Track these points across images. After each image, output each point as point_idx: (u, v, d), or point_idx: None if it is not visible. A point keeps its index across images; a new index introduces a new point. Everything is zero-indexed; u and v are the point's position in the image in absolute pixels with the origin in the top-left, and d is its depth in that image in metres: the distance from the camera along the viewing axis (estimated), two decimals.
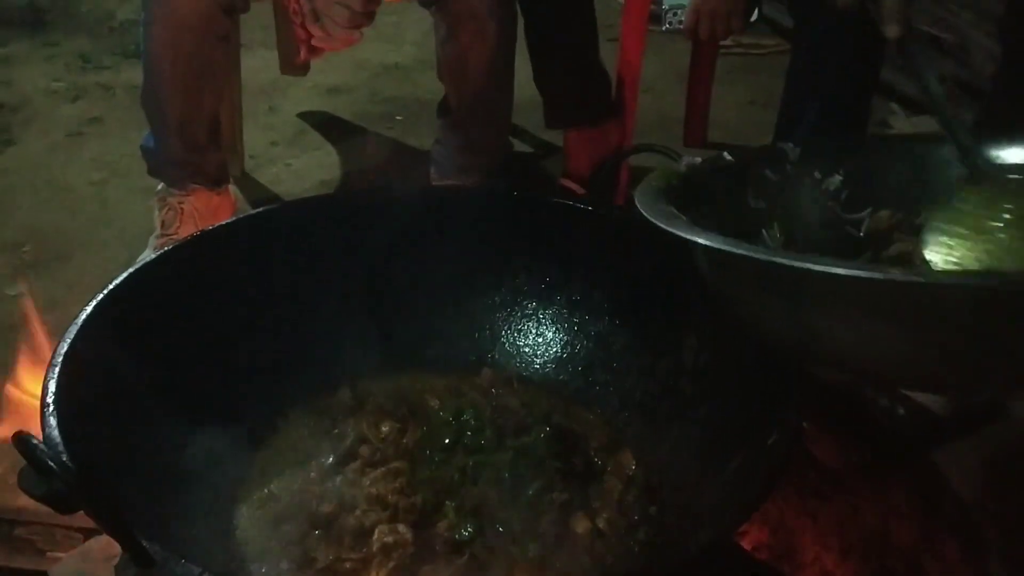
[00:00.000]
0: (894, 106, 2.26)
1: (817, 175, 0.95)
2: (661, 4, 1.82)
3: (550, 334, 1.13)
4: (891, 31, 1.04)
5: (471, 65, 1.52)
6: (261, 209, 1.25)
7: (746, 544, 0.91)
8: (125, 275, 0.94)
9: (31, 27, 2.72)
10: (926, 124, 2.16)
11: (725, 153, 0.96)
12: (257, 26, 2.13)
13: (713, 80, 2.07)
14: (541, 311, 1.14)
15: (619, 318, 1.09)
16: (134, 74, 1.53)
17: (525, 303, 1.14)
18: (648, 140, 2.01)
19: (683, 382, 0.99)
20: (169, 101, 1.50)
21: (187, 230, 1.56)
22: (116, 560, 0.88)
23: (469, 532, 0.87)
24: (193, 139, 1.55)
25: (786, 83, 1.53)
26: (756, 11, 1.54)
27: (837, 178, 0.95)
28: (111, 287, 0.91)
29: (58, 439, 0.72)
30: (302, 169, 2.03)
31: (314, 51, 1.57)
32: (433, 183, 1.68)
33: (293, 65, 1.97)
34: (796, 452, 0.85)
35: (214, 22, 1.44)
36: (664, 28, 1.71)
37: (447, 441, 0.97)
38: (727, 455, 0.85)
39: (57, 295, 1.55)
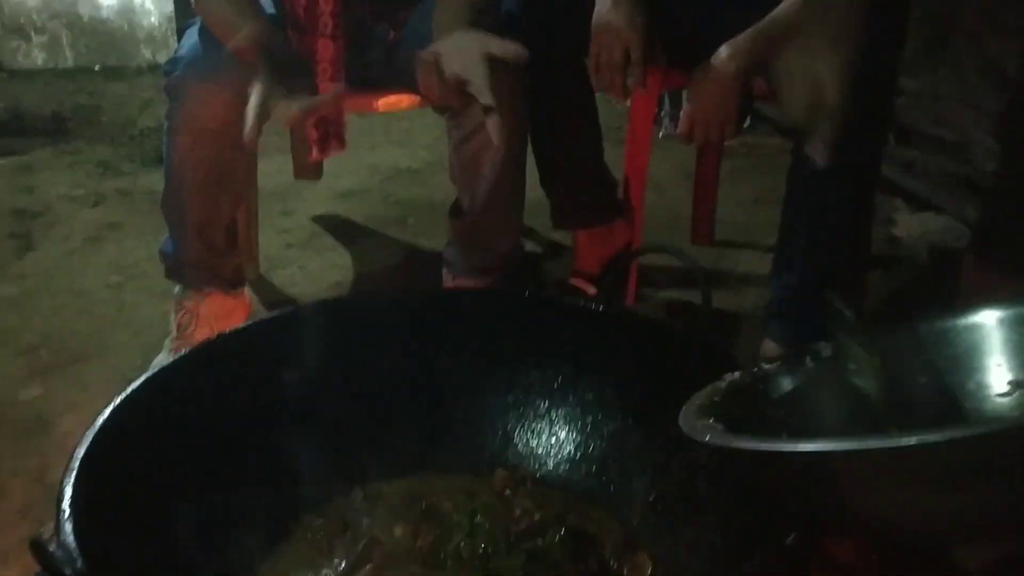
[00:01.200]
0: (898, 203, 2.29)
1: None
2: (659, 109, 1.86)
3: (563, 434, 1.14)
4: (820, 158, 1.09)
5: (483, 169, 1.56)
6: (275, 313, 1.28)
7: None
8: (141, 380, 0.95)
9: (54, 135, 2.81)
10: (931, 221, 2.19)
11: (763, 363, 0.96)
12: (272, 132, 2.19)
13: (719, 179, 2.11)
14: (554, 411, 1.14)
15: (632, 416, 1.09)
16: (152, 180, 1.58)
17: (538, 403, 1.15)
18: (656, 238, 2.06)
19: (699, 480, 0.99)
20: (189, 205, 1.54)
21: (202, 333, 1.57)
22: None
23: None
24: (211, 242, 1.58)
25: (787, 187, 1.57)
26: (748, 117, 1.57)
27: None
28: (128, 392, 0.92)
29: (74, 545, 0.72)
30: (316, 271, 2.06)
31: (324, 150, 1.61)
32: (445, 284, 1.70)
33: (307, 168, 2.01)
34: (814, 552, 0.84)
35: (234, 130, 1.48)
36: (660, 135, 1.75)
37: (461, 544, 0.96)
38: (745, 555, 0.84)
39: (73, 398, 1.56)
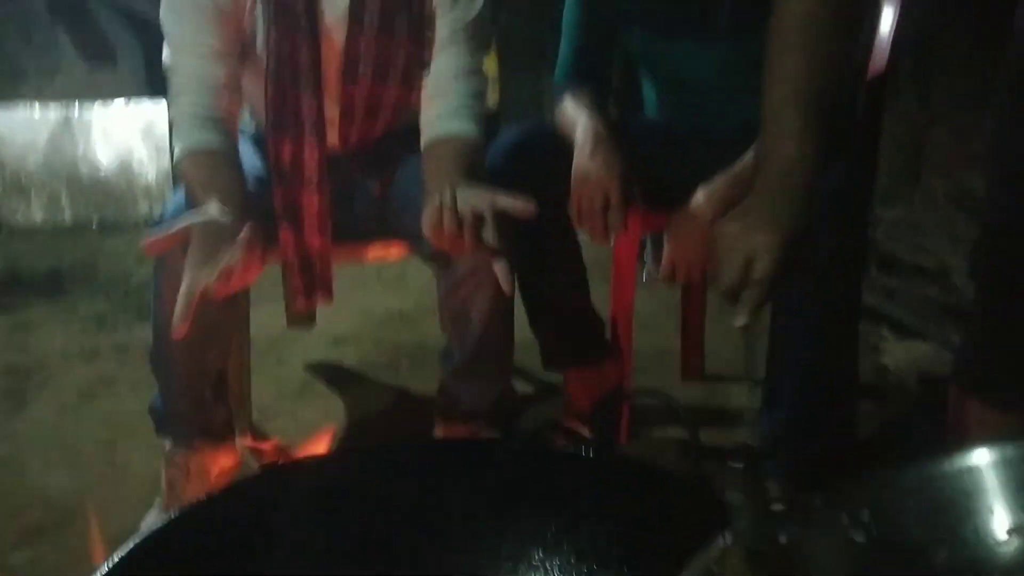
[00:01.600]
0: (884, 331, 2.32)
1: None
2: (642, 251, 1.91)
3: None
4: (739, 319, 1.11)
5: (472, 316, 1.59)
6: (265, 468, 1.27)
7: None
8: (131, 546, 0.94)
9: (51, 292, 2.85)
10: (918, 349, 2.21)
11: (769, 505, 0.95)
12: (266, 281, 2.23)
13: (705, 313, 2.15)
14: (548, 561, 1.13)
15: (628, 564, 1.08)
16: (147, 334, 1.60)
17: (532, 553, 1.13)
18: (647, 375, 2.07)
19: None
20: (176, 360, 1.55)
21: (193, 489, 1.56)
22: None
23: None
24: (199, 396, 1.59)
25: (771, 321, 1.59)
26: None
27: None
28: (117, 560, 0.91)
29: None
30: (309, 420, 2.06)
31: (310, 300, 1.64)
32: (438, 430, 1.71)
33: (299, 316, 2.04)
34: None
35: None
36: (644, 279, 1.79)
37: None
38: None
39: (63, 562, 1.54)
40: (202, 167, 1.50)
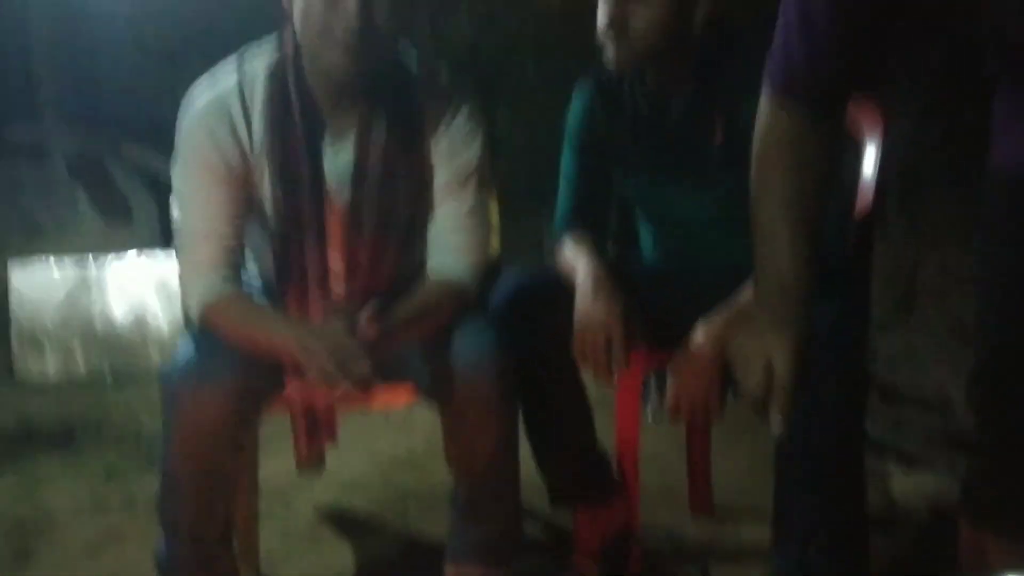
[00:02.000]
0: (890, 462, 2.32)
1: None
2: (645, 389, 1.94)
3: None
4: (777, 428, 1.19)
5: (477, 455, 1.61)
6: None
7: None
8: None
9: (62, 445, 2.85)
10: (926, 480, 2.20)
11: None
12: (275, 426, 2.25)
13: (711, 448, 2.15)
14: None
15: None
16: (156, 483, 1.61)
17: None
18: (654, 511, 2.06)
19: None
20: (184, 507, 1.57)
21: None
22: None
23: None
24: (203, 543, 1.59)
25: (775, 458, 1.60)
26: (730, 391, 1.66)
27: None
28: None
29: None
30: (317, 567, 2.04)
31: (313, 443, 1.66)
32: (448, 573, 1.69)
33: (308, 460, 2.05)
34: None
35: (230, 432, 1.53)
36: (649, 418, 1.82)
37: None
38: None
39: None
40: (229, 311, 1.57)
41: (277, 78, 1.57)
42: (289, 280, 1.64)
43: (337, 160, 1.61)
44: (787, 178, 1.20)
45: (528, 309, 1.72)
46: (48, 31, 4.23)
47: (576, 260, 1.75)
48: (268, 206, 1.61)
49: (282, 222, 1.60)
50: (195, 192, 1.58)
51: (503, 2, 3.90)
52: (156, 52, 4.08)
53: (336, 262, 1.65)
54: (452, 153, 1.63)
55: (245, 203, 1.61)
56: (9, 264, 3.47)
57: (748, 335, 1.21)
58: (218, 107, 1.56)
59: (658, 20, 1.59)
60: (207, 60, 1.65)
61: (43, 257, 3.52)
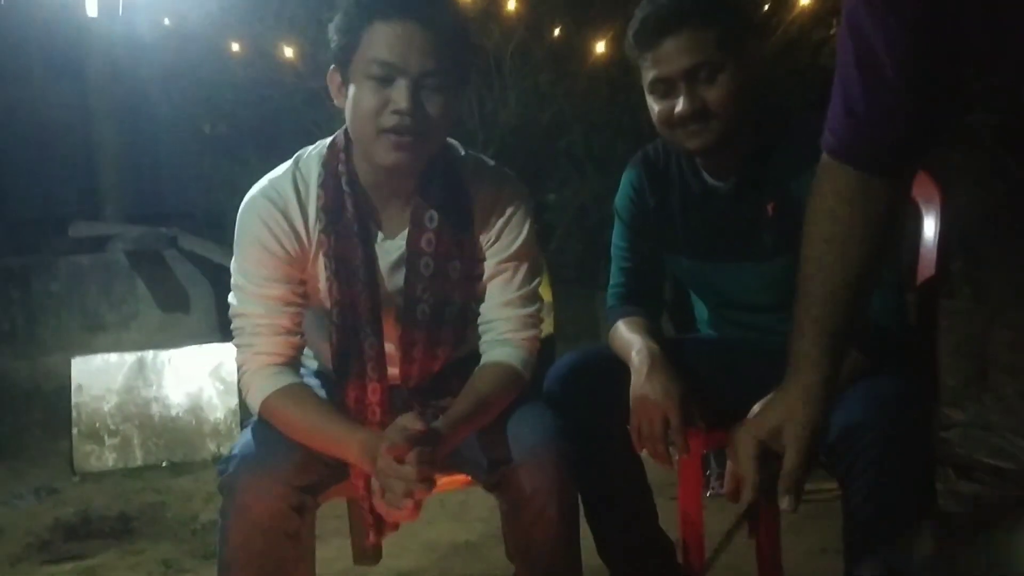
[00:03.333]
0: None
1: None
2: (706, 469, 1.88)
3: None
4: (784, 502, 1.16)
5: (537, 543, 1.56)
6: None
7: None
8: None
9: (120, 536, 2.86)
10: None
11: None
12: (331, 516, 2.22)
13: (780, 530, 2.07)
14: None
15: None
16: (212, 573, 1.59)
17: None
18: None
19: None
20: None
21: None
22: None
23: None
24: None
25: (843, 539, 1.53)
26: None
27: None
28: None
29: None
30: None
31: (381, 532, 1.63)
32: None
33: (366, 552, 2.01)
34: None
35: (286, 522, 1.51)
36: (708, 495, 1.76)
37: None
38: None
39: None
40: (289, 405, 1.56)
41: (330, 171, 1.59)
42: (348, 370, 1.63)
43: (390, 250, 1.62)
44: (831, 243, 1.18)
45: (584, 391, 1.69)
46: (111, 129, 4.41)
47: (630, 340, 1.72)
48: (324, 296, 1.62)
49: (338, 311, 1.60)
50: (252, 282, 1.59)
51: (550, 82, 3.95)
52: (215, 147, 4.22)
53: (391, 350, 1.65)
54: (501, 237, 1.64)
55: (302, 293, 1.62)
56: (72, 362, 3.54)
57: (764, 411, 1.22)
58: (273, 198, 1.58)
59: (730, 101, 1.58)
60: (264, 155, 1.68)
61: (105, 354, 3.58)
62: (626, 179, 1.82)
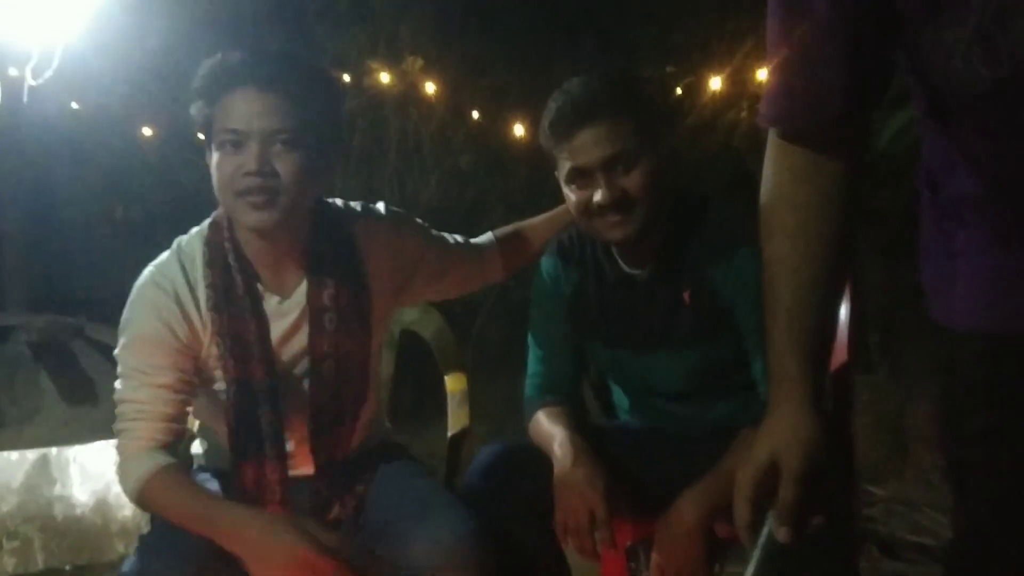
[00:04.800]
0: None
1: None
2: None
3: None
4: (781, 534, 1.08)
5: None
6: None
7: None
8: None
9: None
10: None
11: None
12: None
13: None
14: None
15: None
16: None
17: None
18: None
19: None
20: None
21: None
22: None
23: None
24: None
25: None
26: (718, 564, 1.57)
27: None
28: None
29: None
30: None
31: None
32: None
33: None
34: None
35: None
36: None
37: None
38: None
39: None
40: (167, 487, 1.49)
41: (215, 248, 1.58)
42: (245, 448, 1.58)
43: (288, 310, 1.60)
44: (794, 239, 1.09)
45: (505, 486, 1.64)
46: (15, 215, 4.27)
47: (551, 432, 1.67)
48: (219, 374, 1.57)
49: (235, 388, 1.56)
50: (139, 369, 1.53)
51: (470, 163, 3.98)
52: (126, 231, 4.11)
53: (296, 430, 1.61)
54: (406, 245, 1.71)
55: (190, 381, 1.57)
56: None
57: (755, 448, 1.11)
58: (161, 283, 1.55)
59: (649, 190, 1.57)
60: (176, 235, 1.65)
61: (5, 452, 3.40)
62: (542, 267, 1.80)
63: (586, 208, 1.59)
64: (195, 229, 1.64)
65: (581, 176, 1.58)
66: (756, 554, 1.11)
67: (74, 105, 3.79)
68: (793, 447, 1.08)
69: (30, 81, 2.74)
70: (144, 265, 1.61)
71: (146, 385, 1.53)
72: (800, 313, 1.10)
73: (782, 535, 1.08)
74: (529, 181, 3.87)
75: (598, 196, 1.56)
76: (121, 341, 1.56)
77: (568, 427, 1.66)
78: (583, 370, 1.85)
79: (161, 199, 4.04)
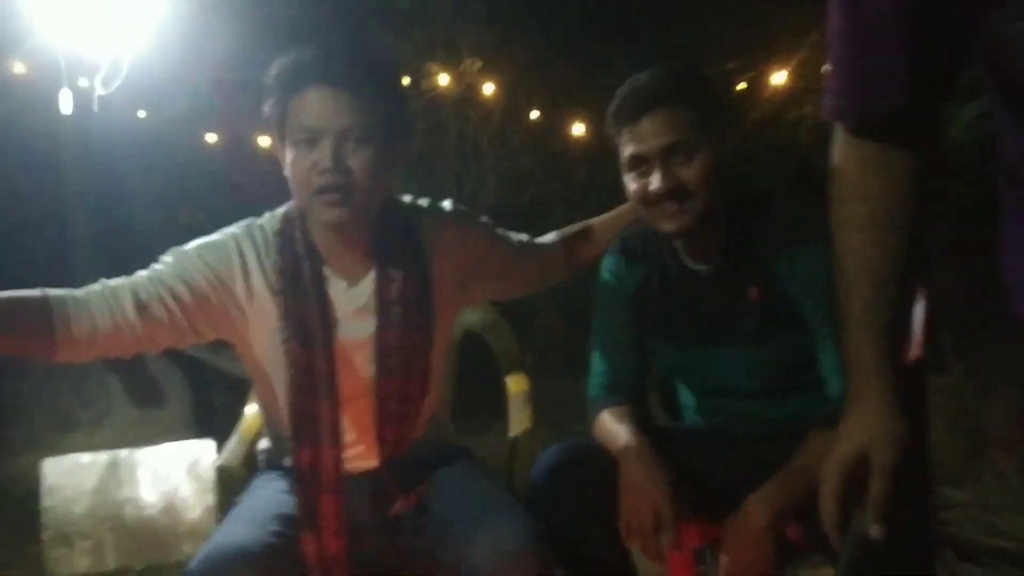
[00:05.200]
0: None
1: None
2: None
3: None
4: (874, 531, 1.04)
5: None
6: None
7: None
8: None
9: None
10: None
11: None
12: None
13: None
14: None
15: None
16: None
17: None
18: None
19: None
20: None
21: None
22: None
23: None
24: None
25: None
26: (788, 566, 1.53)
27: None
28: None
29: None
30: None
31: None
32: None
33: None
34: None
35: None
36: None
37: None
38: None
39: None
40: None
41: (287, 238, 1.61)
42: (303, 439, 1.59)
43: (357, 296, 1.61)
44: (867, 231, 1.08)
45: (570, 488, 1.61)
46: (85, 220, 4.37)
47: (616, 431, 1.65)
48: (276, 360, 1.59)
49: (295, 372, 1.57)
50: (168, 266, 1.55)
51: (529, 164, 3.96)
52: (188, 233, 4.19)
53: (357, 421, 1.62)
54: (469, 237, 1.71)
55: (180, 310, 1.53)
56: (42, 464, 3.43)
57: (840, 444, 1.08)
58: (219, 243, 1.60)
59: (707, 181, 1.56)
60: None
61: (76, 455, 3.48)
62: (605, 265, 1.78)
63: (644, 196, 1.59)
64: (267, 215, 1.67)
65: (640, 163, 1.58)
66: (843, 556, 1.07)
67: (140, 113, 3.87)
68: (884, 439, 1.06)
69: (99, 91, 2.81)
70: None
71: (151, 273, 1.55)
72: (878, 305, 1.09)
73: (875, 532, 1.05)
74: (588, 180, 3.85)
75: (654, 184, 1.56)
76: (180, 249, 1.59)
77: (633, 427, 1.64)
78: (647, 370, 1.82)
79: (222, 203, 4.10)
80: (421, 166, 3.88)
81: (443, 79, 3.72)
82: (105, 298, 1.50)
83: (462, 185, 3.91)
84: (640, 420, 1.68)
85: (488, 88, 3.72)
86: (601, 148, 1.67)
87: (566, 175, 4.00)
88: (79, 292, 1.51)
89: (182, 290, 1.54)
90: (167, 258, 1.58)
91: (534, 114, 3.85)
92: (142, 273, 1.57)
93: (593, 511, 1.61)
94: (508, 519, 1.49)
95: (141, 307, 1.51)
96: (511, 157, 3.95)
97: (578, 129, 3.65)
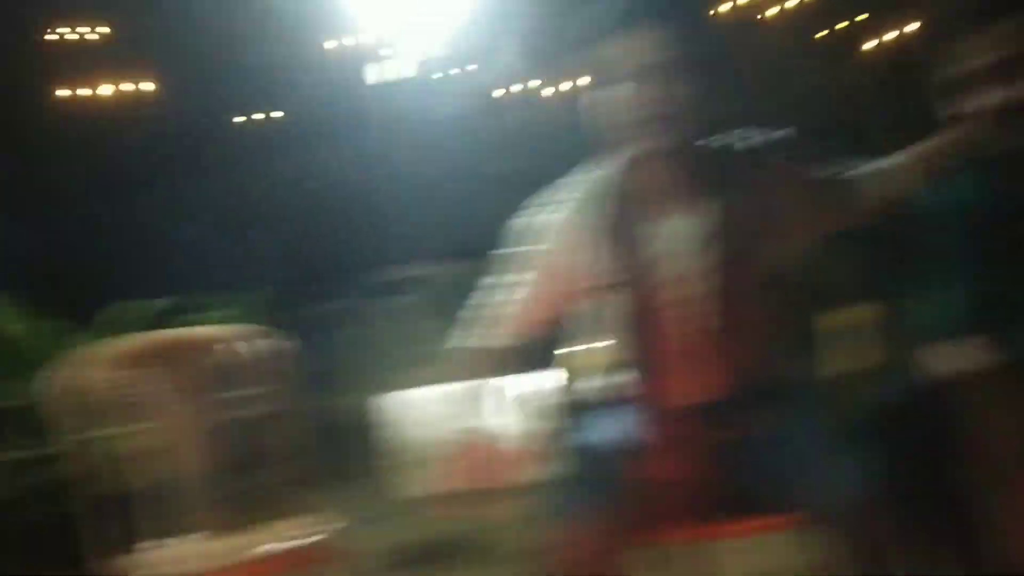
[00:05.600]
0: None
1: None
2: None
3: None
4: None
5: None
6: None
7: None
8: None
9: (451, 560, 2.99)
10: None
11: None
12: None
13: None
14: None
15: None
16: None
17: None
18: None
19: None
20: None
21: None
22: None
23: None
24: None
25: None
26: None
27: None
28: None
29: None
30: None
31: None
32: None
33: None
34: None
35: (602, 567, 1.57)
36: None
37: None
38: None
39: None
40: None
41: (610, 178, 1.73)
42: (642, 372, 1.69)
43: (677, 244, 1.68)
44: None
45: (911, 426, 1.58)
46: (395, 183, 4.71)
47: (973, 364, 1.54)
48: (616, 298, 1.69)
49: (630, 310, 1.68)
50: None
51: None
52: (487, 185, 4.40)
53: (686, 355, 1.68)
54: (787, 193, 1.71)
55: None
56: (388, 397, 3.76)
57: None
58: (582, 187, 1.75)
59: None
60: (532, 185, 1.85)
61: (418, 388, 3.78)
62: (966, 178, 1.64)
63: (1006, 108, 1.49)
64: (592, 168, 1.77)
65: (1007, 70, 1.48)
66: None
67: (445, 73, 4.11)
68: None
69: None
70: (508, 215, 1.84)
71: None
72: None
73: None
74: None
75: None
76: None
77: (992, 360, 1.53)
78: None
79: (517, 153, 4.27)
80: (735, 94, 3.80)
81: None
82: None
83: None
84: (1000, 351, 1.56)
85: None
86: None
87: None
88: None
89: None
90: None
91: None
92: None
93: (936, 456, 1.56)
94: (841, 460, 1.51)
95: None
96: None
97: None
